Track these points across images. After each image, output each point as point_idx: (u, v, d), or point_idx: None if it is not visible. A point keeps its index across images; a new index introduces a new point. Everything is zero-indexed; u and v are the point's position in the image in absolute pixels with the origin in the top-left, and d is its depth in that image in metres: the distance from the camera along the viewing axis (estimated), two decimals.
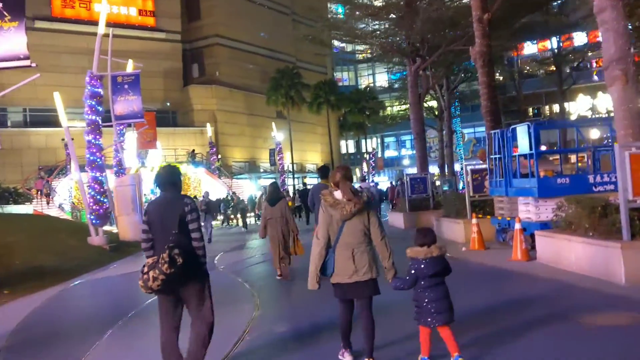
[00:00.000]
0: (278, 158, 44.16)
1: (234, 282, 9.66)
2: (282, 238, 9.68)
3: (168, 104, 45.80)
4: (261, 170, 49.81)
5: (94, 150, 16.81)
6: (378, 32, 23.70)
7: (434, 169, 34.25)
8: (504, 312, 6.45)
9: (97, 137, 16.92)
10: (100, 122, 17.02)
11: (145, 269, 4.32)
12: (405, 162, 57.32)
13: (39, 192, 30.92)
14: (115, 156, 22.39)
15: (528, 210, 10.15)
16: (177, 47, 47.71)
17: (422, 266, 4.46)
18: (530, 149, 9.75)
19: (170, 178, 4.70)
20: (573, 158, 17.91)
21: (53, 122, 31.41)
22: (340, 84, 61.13)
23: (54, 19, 41.54)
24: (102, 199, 16.74)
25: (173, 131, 45.35)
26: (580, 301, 6.70)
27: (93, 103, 16.71)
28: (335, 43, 35.46)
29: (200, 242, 4.50)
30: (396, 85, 46.78)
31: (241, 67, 50.06)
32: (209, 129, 43.74)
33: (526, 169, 10.61)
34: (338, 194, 4.63)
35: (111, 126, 20.97)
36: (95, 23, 19.43)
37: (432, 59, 22.34)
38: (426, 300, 4.46)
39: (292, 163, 48.53)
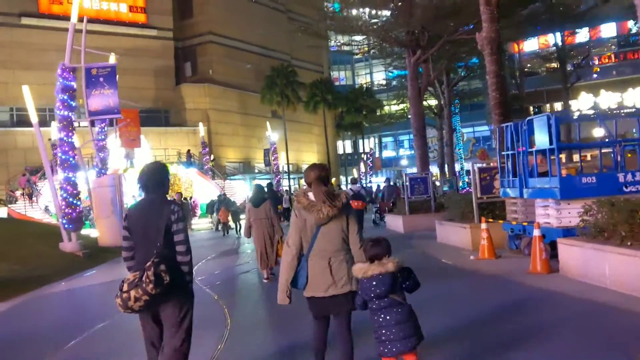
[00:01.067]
0: (273, 158, 42.88)
1: (206, 299, 8.26)
2: (267, 240, 9.42)
3: (160, 102, 44.47)
4: (256, 170, 48.45)
5: (67, 149, 15.47)
6: (377, 22, 22.32)
7: (433, 169, 32.98)
8: (529, 338, 5.16)
9: (70, 134, 15.59)
10: (73, 118, 15.71)
11: (125, 287, 3.65)
12: (404, 162, 56.22)
13: (23, 193, 29.61)
14: (97, 156, 21.09)
15: (548, 214, 8.80)
16: (169, 44, 46.39)
17: (366, 286, 3.67)
18: (551, 143, 8.42)
19: (155, 178, 3.99)
20: (581, 156, 16.63)
21: (40, 121, 30.09)
22: (337, 83, 60.01)
23: (41, 15, 40.17)
24: (74, 201, 15.38)
25: (164, 131, 43.99)
26: (627, 328, 5.39)
27: (65, 97, 15.38)
28: (332, 40, 34.21)
29: (186, 257, 3.85)
30: (394, 83, 45.58)
31: (235, 66, 48.69)
32: (202, 129, 42.37)
33: (541, 167, 9.32)
34: (313, 195, 3.97)
35: (92, 125, 19.75)
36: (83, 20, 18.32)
37: (434, 50, 20.96)
38: (376, 325, 3.69)
39: (288, 163, 47.21)
